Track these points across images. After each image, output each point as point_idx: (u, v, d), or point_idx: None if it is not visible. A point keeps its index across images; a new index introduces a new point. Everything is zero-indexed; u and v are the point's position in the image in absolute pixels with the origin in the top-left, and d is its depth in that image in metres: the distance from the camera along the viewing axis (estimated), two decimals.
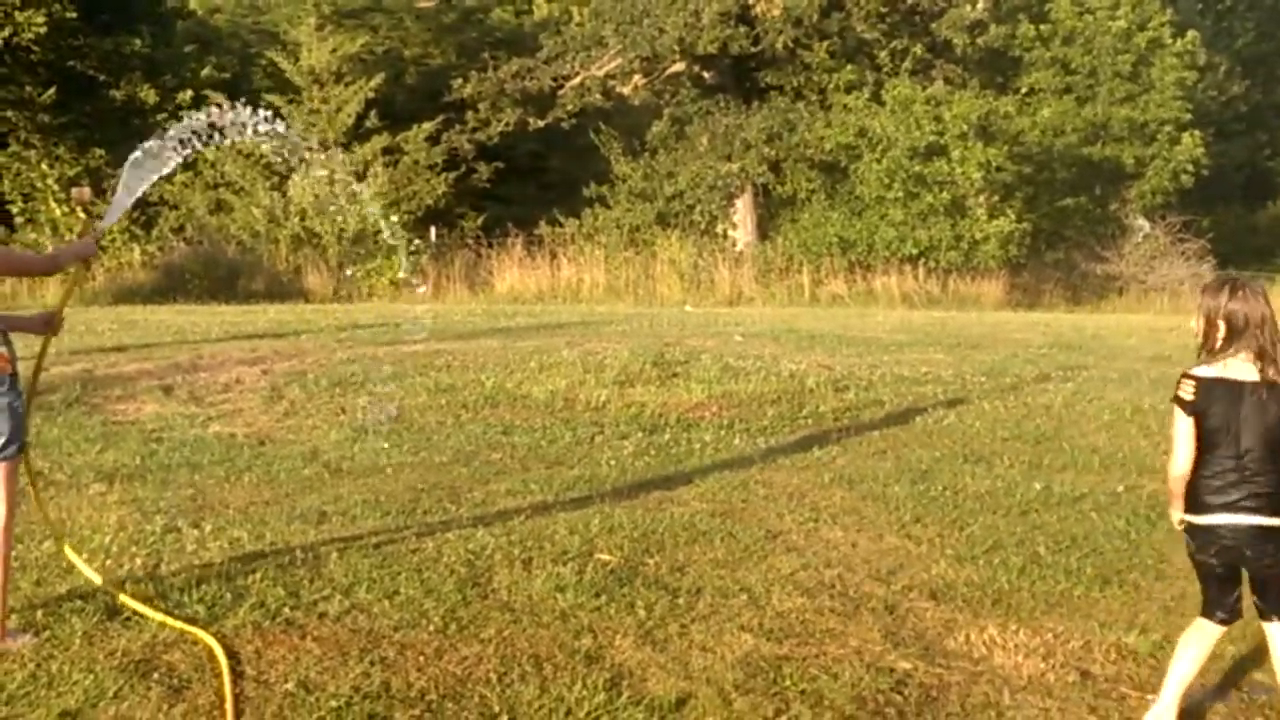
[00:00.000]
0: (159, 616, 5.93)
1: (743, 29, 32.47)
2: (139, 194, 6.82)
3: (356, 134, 33.75)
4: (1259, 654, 5.77)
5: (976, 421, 11.99)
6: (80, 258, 6.29)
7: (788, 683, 5.56)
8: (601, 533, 7.68)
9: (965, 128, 30.47)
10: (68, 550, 6.44)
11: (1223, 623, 5.22)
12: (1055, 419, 12.19)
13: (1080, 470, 10.10)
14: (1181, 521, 5.20)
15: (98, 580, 6.35)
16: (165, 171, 6.80)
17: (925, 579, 7.05)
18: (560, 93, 34.57)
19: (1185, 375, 5.11)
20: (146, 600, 6.14)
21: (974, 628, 6.30)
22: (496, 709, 5.19)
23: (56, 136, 32.20)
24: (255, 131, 6.82)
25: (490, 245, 32.44)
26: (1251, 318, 5.02)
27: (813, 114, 33.10)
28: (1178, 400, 5.09)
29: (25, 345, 6.16)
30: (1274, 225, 45.64)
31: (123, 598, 6.14)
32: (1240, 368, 5.03)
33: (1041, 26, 36.93)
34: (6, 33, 29.98)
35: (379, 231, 29.95)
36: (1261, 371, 5.02)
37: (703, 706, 5.30)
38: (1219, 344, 5.07)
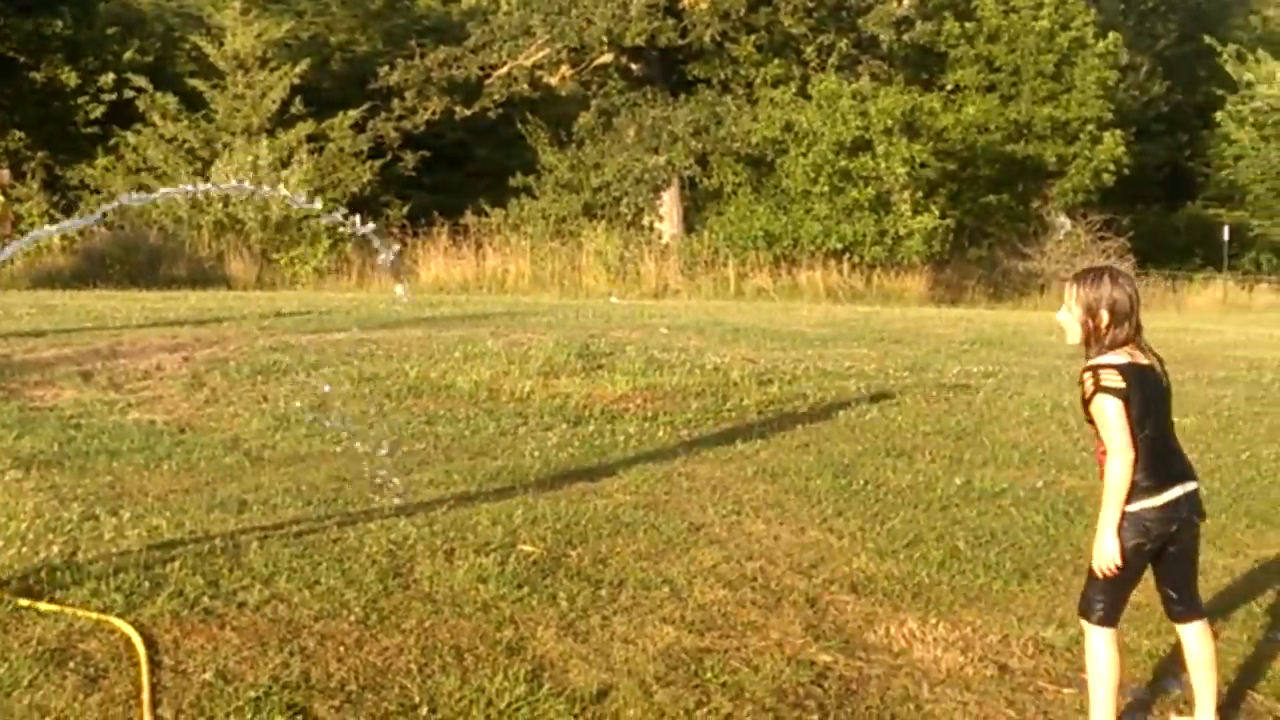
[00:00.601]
0: (69, 611, 5.84)
1: (670, 21, 32.53)
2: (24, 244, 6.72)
3: (281, 120, 33.52)
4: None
5: (899, 416, 12.06)
6: None
7: (709, 675, 5.57)
8: (524, 524, 7.67)
9: (890, 123, 30.66)
10: None
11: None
12: (976, 414, 12.29)
13: (1000, 465, 10.19)
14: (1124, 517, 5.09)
15: None
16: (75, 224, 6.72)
17: (846, 572, 7.09)
18: (487, 82, 34.48)
19: (1100, 367, 5.06)
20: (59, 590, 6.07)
21: (894, 621, 6.35)
22: (417, 700, 5.17)
23: None
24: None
25: (415, 234, 32.32)
26: (1131, 303, 5.07)
27: (740, 107, 33.20)
28: (1107, 390, 5.01)
29: None
30: (1193, 224, 46.27)
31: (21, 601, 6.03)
32: (1134, 352, 5.08)
33: (967, 24, 37.23)
34: None
35: (304, 217, 29.78)
36: (1145, 352, 5.11)
37: (624, 698, 5.30)
38: (1106, 332, 5.07)
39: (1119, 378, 5.01)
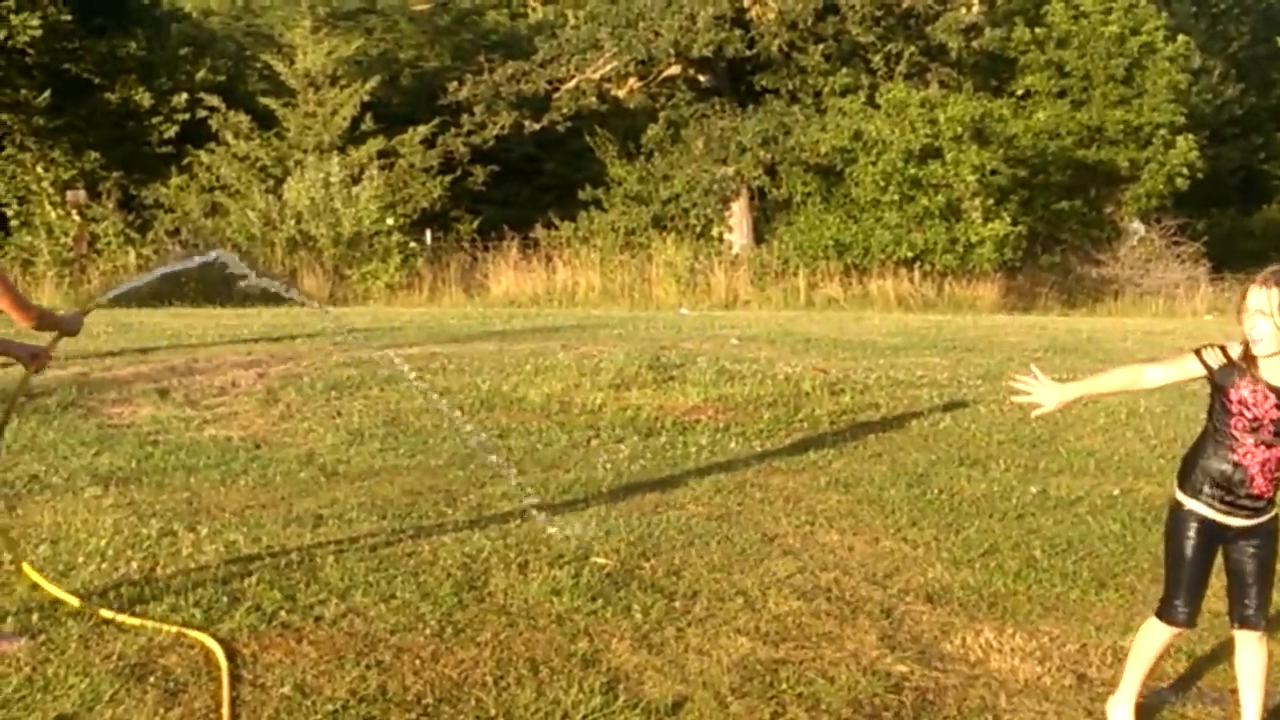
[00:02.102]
0: (151, 624, 5.92)
1: (738, 32, 32.47)
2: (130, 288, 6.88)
3: (352, 137, 33.72)
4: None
5: (972, 425, 11.99)
6: (61, 329, 6.07)
7: (784, 686, 5.56)
8: (598, 536, 7.68)
9: (960, 130, 30.46)
10: (28, 569, 6.36)
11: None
12: (1051, 422, 12.15)
13: (1076, 474, 10.11)
14: None
15: (72, 601, 6.29)
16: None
17: (921, 582, 7.06)
18: (555, 96, 34.52)
19: None
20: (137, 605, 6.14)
21: (970, 631, 6.31)
22: (493, 712, 5.19)
23: (51, 139, 32.17)
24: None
25: (486, 248, 32.41)
26: None
27: (808, 117, 33.08)
28: None
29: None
30: (1269, 228, 45.64)
31: (103, 612, 6.11)
32: None
33: (1036, 30, 36.93)
34: (1, 35, 29.96)
35: (375, 234, 29.94)
36: None
37: (699, 710, 5.30)
38: None
39: None
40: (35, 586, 6.24)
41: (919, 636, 6.23)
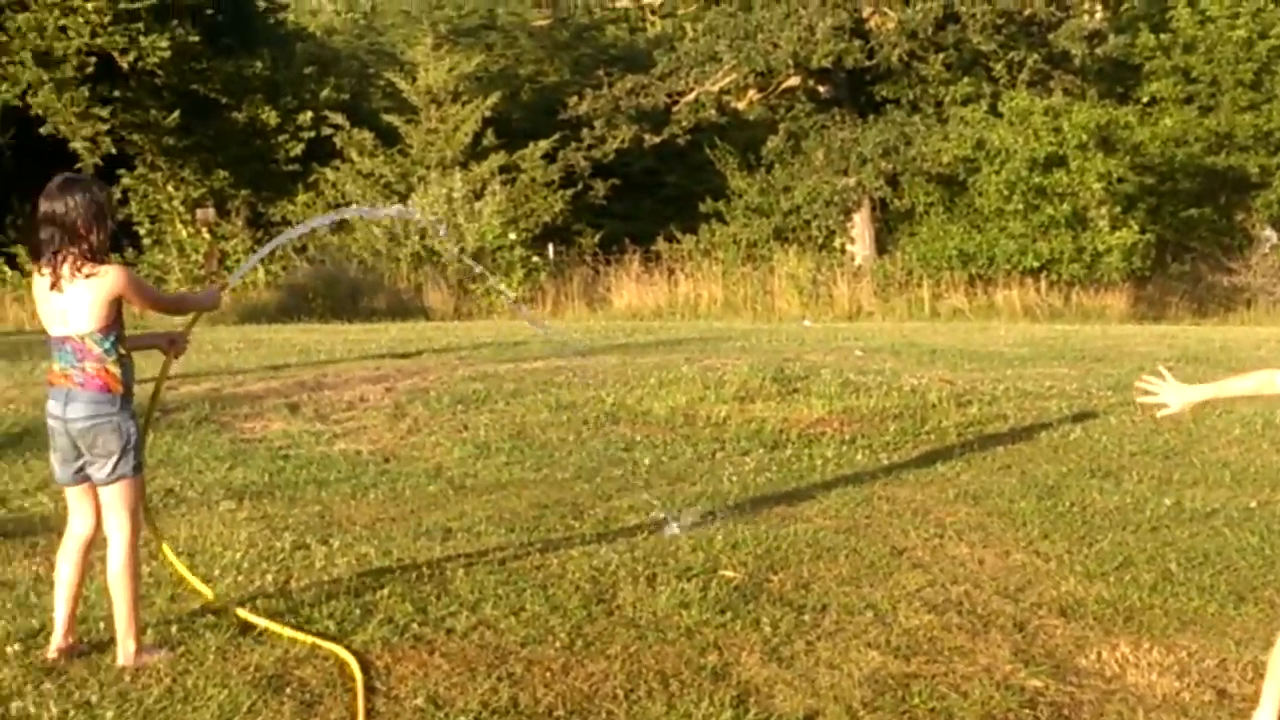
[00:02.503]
0: (288, 632, 6.01)
1: (857, 43, 32.30)
2: (265, 253, 7.02)
3: (474, 152, 34.01)
4: None
5: (1103, 436, 11.82)
6: (203, 307, 6.40)
7: (916, 701, 5.52)
8: (725, 549, 7.67)
9: (1085, 138, 30.08)
10: (169, 555, 6.49)
11: None
12: (1184, 433, 11.96)
13: (1211, 485, 9.92)
14: None
15: (207, 592, 6.45)
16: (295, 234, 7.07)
17: (1054, 596, 6.96)
18: (675, 109, 34.58)
19: None
20: (275, 617, 6.22)
21: (1105, 645, 6.21)
22: None
23: (181, 159, 32.82)
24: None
25: (607, 262, 32.55)
26: None
27: (929, 127, 32.83)
28: None
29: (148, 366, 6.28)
30: None
31: (239, 611, 6.25)
32: None
33: (1161, 36, 36.38)
34: (132, 57, 30.61)
35: (498, 249, 30.17)
36: None
37: None
38: None
39: None
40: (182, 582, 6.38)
41: (1053, 651, 6.15)
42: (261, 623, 6.10)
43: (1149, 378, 5.26)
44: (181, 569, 6.48)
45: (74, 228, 5.47)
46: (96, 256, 5.51)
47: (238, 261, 29.79)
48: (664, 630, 6.24)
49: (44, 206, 5.52)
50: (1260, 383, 5.18)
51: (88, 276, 5.46)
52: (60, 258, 5.49)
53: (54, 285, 5.51)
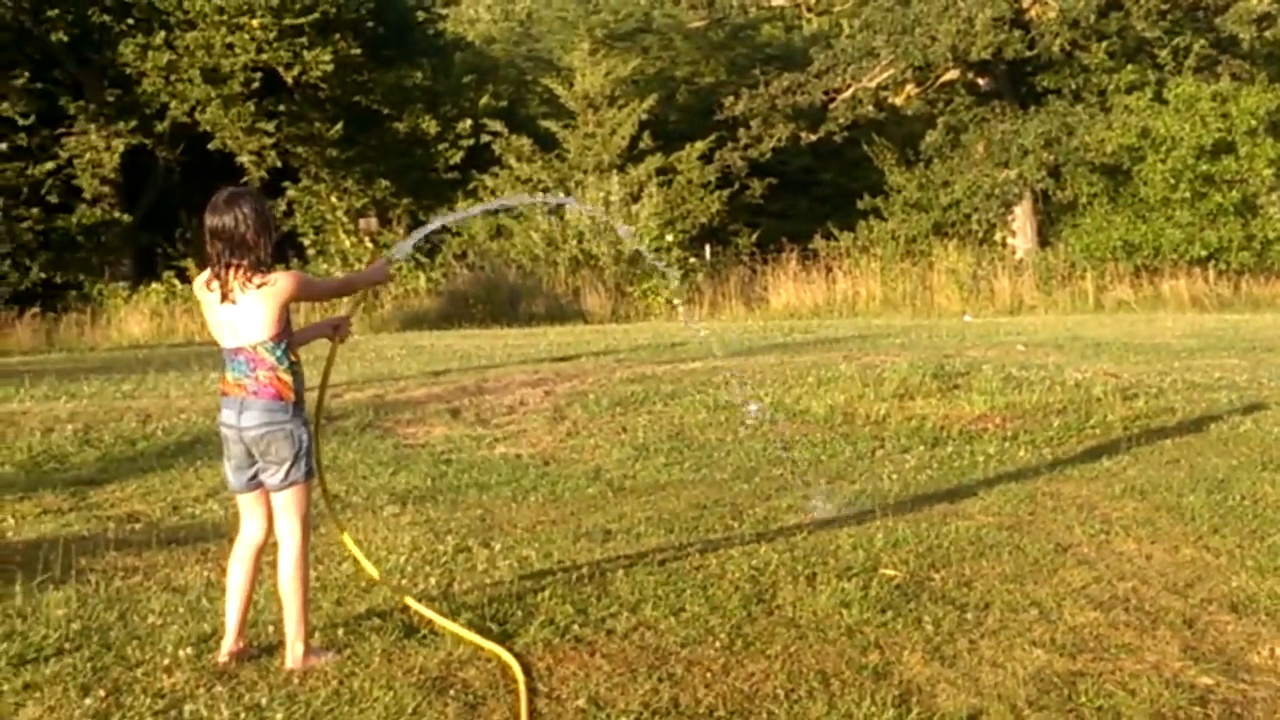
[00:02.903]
0: (452, 626, 6.09)
1: (1017, 33, 31.86)
2: (428, 231, 7.05)
3: (631, 155, 34.17)
4: None
5: (1275, 428, 11.51)
6: (372, 282, 6.52)
7: (1082, 699, 5.42)
8: (885, 547, 7.61)
9: (1254, 124, 29.39)
10: (348, 540, 6.58)
11: None
12: None
13: None
14: None
15: (375, 574, 6.55)
16: (456, 218, 7.10)
17: (1225, 591, 6.80)
18: (831, 106, 34.40)
19: None
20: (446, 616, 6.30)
21: (1278, 641, 6.05)
22: None
23: (344, 170, 33.46)
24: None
25: (764, 261, 32.50)
26: None
27: (1092, 116, 32.26)
28: None
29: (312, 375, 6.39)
30: None
31: (409, 600, 6.35)
32: None
33: None
34: (296, 71, 31.27)
35: (655, 250, 30.28)
36: None
37: None
38: None
39: None
40: (362, 570, 6.48)
41: (1224, 648, 6.01)
42: (431, 615, 6.19)
43: None
44: (357, 552, 6.56)
45: (241, 240, 5.57)
46: (263, 266, 5.62)
47: (400, 269, 30.25)
48: (824, 629, 6.20)
49: (210, 221, 5.62)
50: None
51: (259, 287, 5.57)
52: (230, 271, 5.60)
53: (225, 298, 5.62)
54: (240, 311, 5.60)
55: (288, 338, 5.70)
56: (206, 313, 5.76)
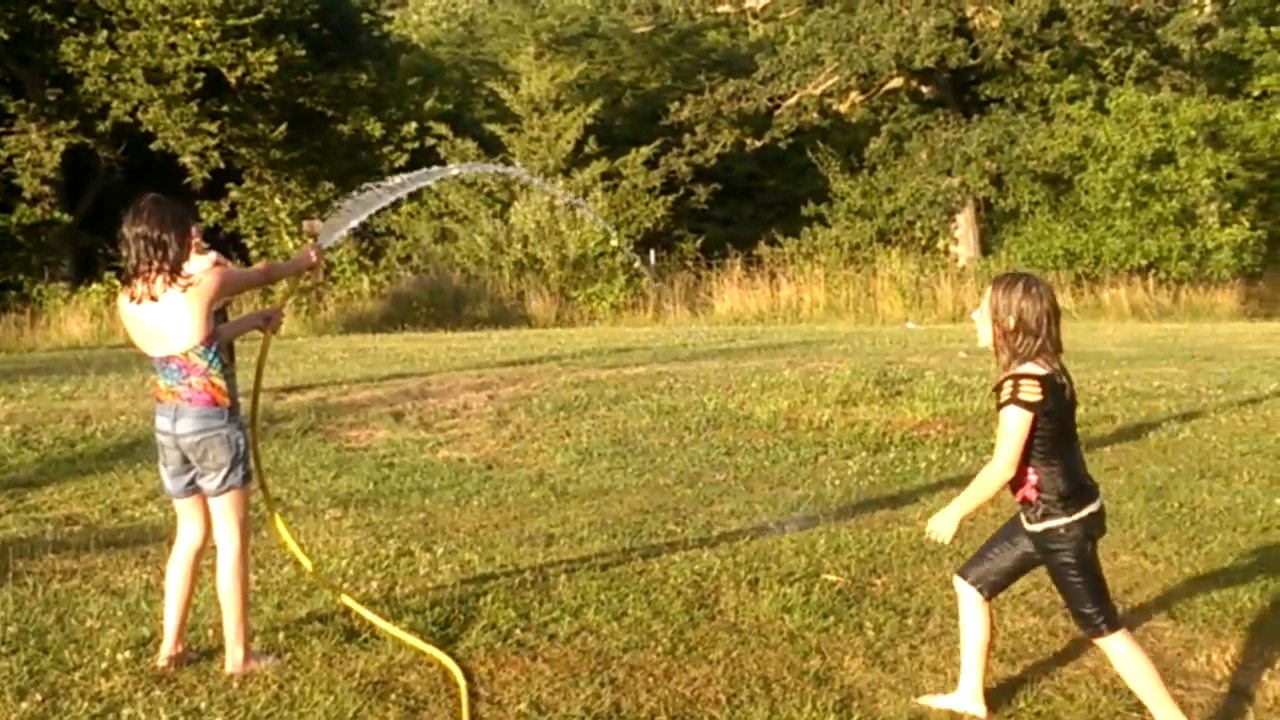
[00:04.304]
0: (393, 630, 6.07)
1: (961, 42, 32.03)
2: (359, 220, 6.95)
3: (576, 160, 34.16)
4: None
5: (1213, 436, 11.63)
6: (297, 270, 6.42)
7: (1022, 704, 5.47)
8: (828, 553, 7.64)
9: (1193, 134, 29.67)
10: (280, 526, 6.48)
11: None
12: None
13: None
14: (1052, 529, 5.13)
15: (308, 564, 6.48)
16: (385, 204, 6.91)
17: (1163, 598, 6.86)
18: (777, 112, 34.50)
19: (1022, 376, 4.94)
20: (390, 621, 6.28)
21: (1216, 648, 6.11)
22: None
23: (287, 171, 33.25)
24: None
25: (709, 266, 32.53)
26: (1042, 316, 4.98)
27: (1034, 125, 32.48)
28: (1022, 403, 4.90)
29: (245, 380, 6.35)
30: None
31: (346, 599, 6.33)
32: (1049, 363, 5.00)
33: (1272, 29, 35.75)
34: (239, 72, 31.04)
35: (599, 255, 30.27)
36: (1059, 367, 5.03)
37: None
38: (1022, 342, 4.98)
39: (1039, 390, 4.93)
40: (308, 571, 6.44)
41: (1162, 654, 6.05)
42: (371, 617, 6.16)
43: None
44: (287, 538, 6.47)
45: (159, 240, 5.52)
46: (181, 265, 5.57)
47: (343, 272, 30.12)
48: (766, 635, 6.22)
49: (128, 231, 5.56)
50: (983, 484, 5.23)
51: (185, 289, 5.51)
52: (151, 270, 5.54)
53: (148, 300, 5.54)
54: (166, 315, 5.53)
55: (217, 339, 5.66)
56: (132, 328, 5.69)
